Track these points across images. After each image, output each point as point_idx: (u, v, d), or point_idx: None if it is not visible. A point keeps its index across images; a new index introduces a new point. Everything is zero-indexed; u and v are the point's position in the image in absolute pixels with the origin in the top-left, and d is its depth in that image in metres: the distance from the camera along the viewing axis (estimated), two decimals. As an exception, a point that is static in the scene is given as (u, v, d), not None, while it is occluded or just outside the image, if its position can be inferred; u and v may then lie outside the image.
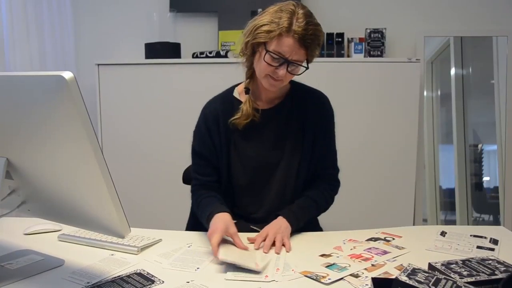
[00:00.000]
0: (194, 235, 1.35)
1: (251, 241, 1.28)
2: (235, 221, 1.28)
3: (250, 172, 1.42)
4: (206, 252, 1.21)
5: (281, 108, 1.42)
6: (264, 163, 1.41)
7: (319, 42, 1.28)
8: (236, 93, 1.44)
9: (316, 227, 1.52)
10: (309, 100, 1.43)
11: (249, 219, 1.44)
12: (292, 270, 1.08)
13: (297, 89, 1.45)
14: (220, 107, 1.41)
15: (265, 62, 1.26)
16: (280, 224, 1.30)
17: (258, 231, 1.36)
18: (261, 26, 1.26)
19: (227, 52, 2.68)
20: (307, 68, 1.30)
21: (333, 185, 1.50)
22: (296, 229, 1.34)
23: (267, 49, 1.25)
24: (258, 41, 1.26)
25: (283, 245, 1.24)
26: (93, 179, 0.86)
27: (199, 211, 1.40)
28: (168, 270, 1.08)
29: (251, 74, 1.38)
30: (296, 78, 1.36)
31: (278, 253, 1.19)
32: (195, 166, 1.47)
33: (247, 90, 1.39)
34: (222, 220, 1.24)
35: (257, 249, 1.22)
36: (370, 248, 1.21)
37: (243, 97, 1.41)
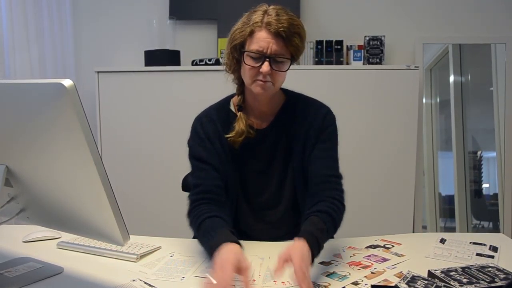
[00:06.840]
0: (192, 242, 1.34)
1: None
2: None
3: (246, 187, 1.38)
4: (189, 261, 1.20)
5: (273, 126, 1.35)
6: (257, 181, 1.37)
7: (297, 31, 1.20)
8: (232, 106, 1.37)
9: None
10: (300, 111, 1.35)
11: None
12: (274, 281, 1.04)
13: (291, 100, 1.38)
14: (218, 120, 1.34)
15: (247, 65, 1.21)
16: (303, 252, 1.01)
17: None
18: (235, 30, 1.25)
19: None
20: (292, 61, 1.22)
21: (340, 197, 1.39)
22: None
23: (245, 50, 1.22)
24: (235, 43, 1.24)
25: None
26: (93, 187, 0.86)
27: (199, 233, 1.18)
28: (166, 279, 1.08)
29: (242, 90, 1.35)
30: (295, 87, 1.32)
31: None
32: (196, 171, 1.31)
33: (239, 108, 1.34)
34: (232, 252, 1.00)
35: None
36: (369, 256, 1.21)
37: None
